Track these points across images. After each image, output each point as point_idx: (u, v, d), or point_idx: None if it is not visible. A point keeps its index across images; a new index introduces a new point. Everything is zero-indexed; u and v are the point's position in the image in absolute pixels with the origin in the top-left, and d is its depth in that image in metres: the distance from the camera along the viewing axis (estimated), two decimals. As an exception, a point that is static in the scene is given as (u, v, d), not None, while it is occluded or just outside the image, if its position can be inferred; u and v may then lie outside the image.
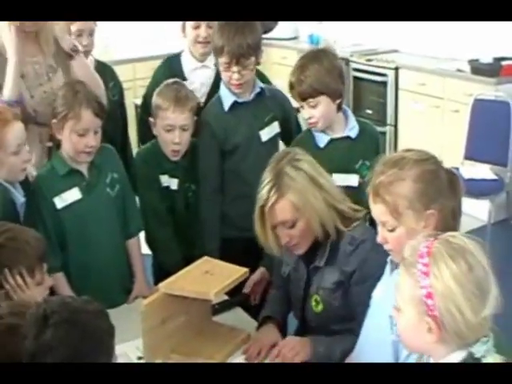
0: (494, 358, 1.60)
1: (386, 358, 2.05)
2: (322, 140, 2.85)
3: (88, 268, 2.84)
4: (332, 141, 2.85)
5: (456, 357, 1.62)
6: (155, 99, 3.04)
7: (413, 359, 1.95)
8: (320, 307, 2.46)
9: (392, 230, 1.98)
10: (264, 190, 2.38)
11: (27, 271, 2.28)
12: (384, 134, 6.13)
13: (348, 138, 2.86)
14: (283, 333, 2.65)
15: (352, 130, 2.87)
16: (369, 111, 6.40)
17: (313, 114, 2.78)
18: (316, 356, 2.39)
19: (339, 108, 2.84)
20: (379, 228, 2.03)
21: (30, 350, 1.50)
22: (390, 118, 6.25)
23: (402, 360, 2.01)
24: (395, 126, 6.26)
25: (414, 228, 1.93)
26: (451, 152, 5.09)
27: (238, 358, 2.50)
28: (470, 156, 5.26)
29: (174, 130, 3.00)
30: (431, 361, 1.70)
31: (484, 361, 1.59)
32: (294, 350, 2.41)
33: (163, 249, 3.11)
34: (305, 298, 2.53)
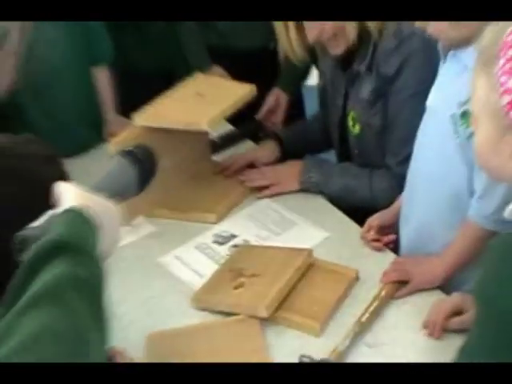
0: None
1: (451, 165, 1.72)
2: None
3: (47, 103, 2.39)
4: None
5: None
6: None
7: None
8: (357, 128, 2.07)
9: None
10: None
11: None
12: None
13: None
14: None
15: None
16: None
17: None
18: (304, 179, 2.12)
19: None
20: None
21: None
22: None
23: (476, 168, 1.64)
24: None
25: None
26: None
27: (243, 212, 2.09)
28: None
29: None
30: None
31: None
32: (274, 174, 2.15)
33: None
34: (343, 120, 2.13)
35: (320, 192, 2.10)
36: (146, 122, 1.98)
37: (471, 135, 1.59)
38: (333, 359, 1.55)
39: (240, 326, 1.66)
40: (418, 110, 1.80)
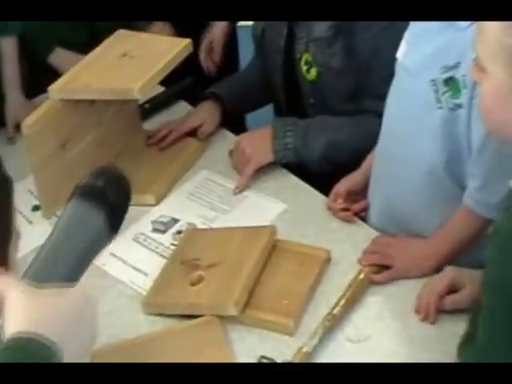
0: None
1: (429, 138, 1.51)
2: None
3: None
4: None
5: None
6: None
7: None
8: (314, 72, 1.81)
9: None
10: None
11: None
12: None
13: None
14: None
15: None
16: None
17: None
18: (278, 147, 1.80)
19: None
20: None
21: None
22: None
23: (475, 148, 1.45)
24: None
25: None
26: None
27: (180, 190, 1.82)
28: None
29: None
30: None
31: None
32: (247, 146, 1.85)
33: None
34: (288, 65, 1.88)
35: (297, 161, 1.81)
36: (65, 94, 1.70)
37: (456, 107, 1.45)
38: (297, 361, 1.35)
39: (201, 330, 1.43)
40: (399, 41, 1.55)
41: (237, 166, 1.85)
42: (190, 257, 1.57)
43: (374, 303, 1.47)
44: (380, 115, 1.64)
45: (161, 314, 1.49)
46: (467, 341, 1.29)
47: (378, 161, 1.64)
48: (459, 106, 1.44)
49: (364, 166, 1.70)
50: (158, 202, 1.76)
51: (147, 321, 1.48)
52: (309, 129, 1.80)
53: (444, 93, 1.45)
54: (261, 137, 1.83)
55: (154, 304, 1.50)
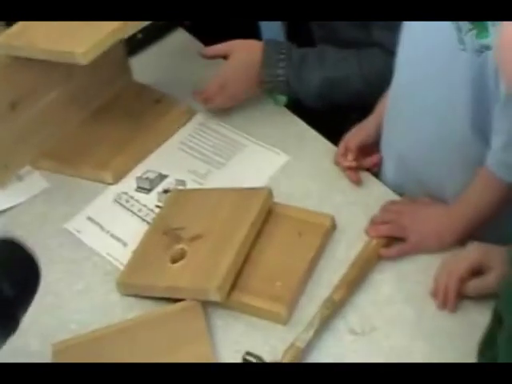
0: None
1: (450, 87, 1.23)
2: None
3: None
4: None
5: None
6: None
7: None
8: None
9: None
10: None
11: None
12: None
13: None
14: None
15: None
16: None
17: None
18: (268, 78, 1.53)
19: None
20: None
21: None
22: None
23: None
24: None
25: None
26: None
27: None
28: None
29: None
30: None
31: None
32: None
33: None
34: None
35: (290, 95, 1.57)
36: (7, 50, 1.42)
37: (482, 48, 1.17)
38: (287, 359, 1.13)
39: (179, 319, 1.22)
40: None
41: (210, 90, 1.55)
42: (173, 225, 1.35)
43: (383, 286, 1.23)
44: (388, 50, 1.36)
45: (137, 295, 1.28)
46: (489, 341, 1.07)
47: (391, 108, 1.37)
48: (487, 47, 1.15)
49: (376, 113, 1.43)
50: (115, 181, 1.48)
51: (122, 303, 1.27)
52: (304, 60, 1.53)
53: (467, 32, 1.16)
54: (248, 64, 1.54)
55: (130, 285, 1.29)
